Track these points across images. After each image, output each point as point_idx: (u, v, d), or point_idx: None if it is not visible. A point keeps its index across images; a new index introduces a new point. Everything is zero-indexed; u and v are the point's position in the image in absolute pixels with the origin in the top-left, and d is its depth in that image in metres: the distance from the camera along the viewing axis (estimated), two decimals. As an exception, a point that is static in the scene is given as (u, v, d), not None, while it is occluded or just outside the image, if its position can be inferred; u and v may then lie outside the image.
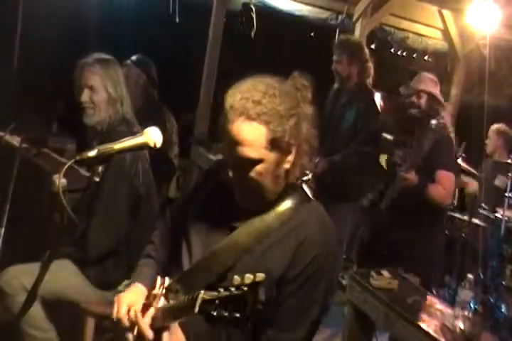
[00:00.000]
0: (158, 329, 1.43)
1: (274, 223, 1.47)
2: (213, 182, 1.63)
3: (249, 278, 1.15)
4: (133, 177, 2.26)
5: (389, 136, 4.70)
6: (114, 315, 1.51)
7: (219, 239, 1.49)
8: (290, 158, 1.44)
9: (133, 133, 1.66)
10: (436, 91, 3.16)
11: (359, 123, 3.65)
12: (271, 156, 1.39)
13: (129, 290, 1.58)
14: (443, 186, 3.04)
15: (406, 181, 3.01)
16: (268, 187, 1.44)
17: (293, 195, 1.50)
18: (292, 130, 1.39)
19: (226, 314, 1.13)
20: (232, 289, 1.13)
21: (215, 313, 1.13)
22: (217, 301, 1.13)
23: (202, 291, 1.16)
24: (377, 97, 3.84)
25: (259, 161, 1.38)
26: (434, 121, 3.04)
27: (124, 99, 2.36)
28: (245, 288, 1.13)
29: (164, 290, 1.54)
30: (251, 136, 1.35)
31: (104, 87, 2.31)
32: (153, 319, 1.47)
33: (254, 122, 1.35)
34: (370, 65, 3.77)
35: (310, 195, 1.56)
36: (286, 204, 1.49)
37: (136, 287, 1.60)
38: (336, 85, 3.88)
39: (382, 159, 4.98)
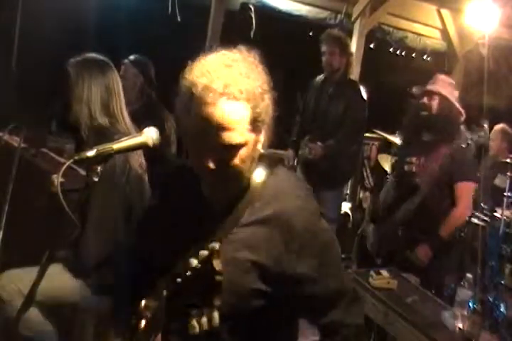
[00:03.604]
0: None
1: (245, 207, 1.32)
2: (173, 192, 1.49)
3: (203, 254, 1.12)
4: (124, 186, 2.24)
5: (393, 138, 4.72)
6: None
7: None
8: (261, 137, 1.30)
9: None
10: (449, 93, 2.98)
11: (348, 111, 3.80)
12: (252, 138, 1.26)
13: None
14: (463, 200, 2.92)
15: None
16: (246, 172, 1.29)
17: (258, 169, 1.35)
18: (267, 108, 1.28)
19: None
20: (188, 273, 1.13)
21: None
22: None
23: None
24: (362, 90, 4.02)
25: (243, 146, 1.24)
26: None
27: (93, 103, 2.29)
28: (198, 265, 1.12)
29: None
30: (236, 117, 1.21)
31: (71, 86, 2.30)
32: None
33: (238, 101, 1.21)
34: (354, 58, 4.03)
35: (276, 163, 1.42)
36: (254, 182, 1.33)
37: None
38: (321, 77, 4.04)
39: (382, 159, 4.98)
